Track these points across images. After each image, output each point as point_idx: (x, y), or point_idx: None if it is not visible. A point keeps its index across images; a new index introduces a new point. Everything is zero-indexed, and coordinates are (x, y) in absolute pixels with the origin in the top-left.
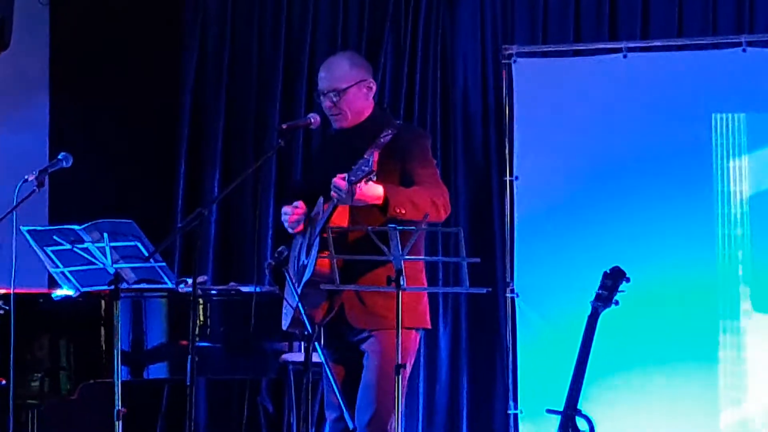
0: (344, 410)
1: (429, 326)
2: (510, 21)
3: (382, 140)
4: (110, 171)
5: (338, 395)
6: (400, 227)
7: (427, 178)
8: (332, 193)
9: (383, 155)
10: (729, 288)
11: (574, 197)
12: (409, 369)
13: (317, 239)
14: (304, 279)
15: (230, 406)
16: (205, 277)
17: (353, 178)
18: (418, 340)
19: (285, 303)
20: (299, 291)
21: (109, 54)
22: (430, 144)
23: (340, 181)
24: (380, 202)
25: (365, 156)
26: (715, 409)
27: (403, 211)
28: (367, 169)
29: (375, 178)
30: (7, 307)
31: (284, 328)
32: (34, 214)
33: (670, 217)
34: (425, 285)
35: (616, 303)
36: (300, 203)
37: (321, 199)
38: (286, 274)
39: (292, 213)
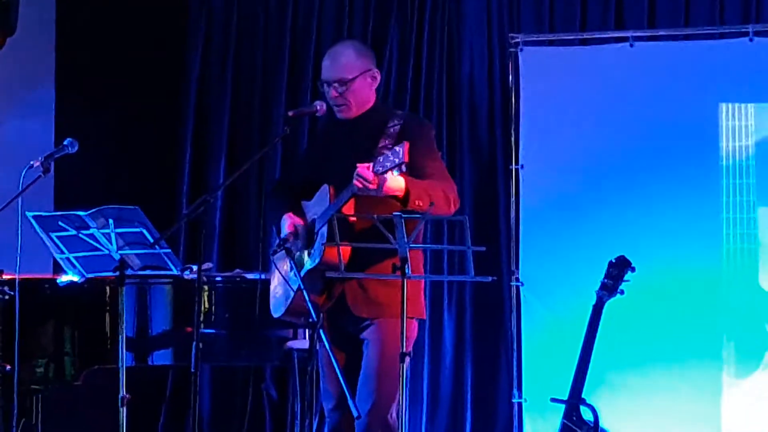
0: (348, 397)
1: (425, 317)
2: (516, 10)
3: (391, 130)
4: (116, 157)
5: (342, 380)
6: (406, 215)
7: (436, 172)
8: (356, 182)
9: (391, 146)
10: (734, 279)
11: (579, 186)
12: (409, 358)
13: (324, 227)
14: (309, 266)
15: (234, 393)
16: (210, 264)
17: (380, 168)
18: (416, 329)
19: (272, 289)
20: (302, 277)
21: (115, 40)
22: (435, 134)
23: (365, 171)
24: (402, 194)
25: (389, 147)
26: (718, 398)
27: (421, 204)
28: (398, 160)
29: (405, 169)
30: (12, 293)
31: (276, 316)
32: (40, 199)
33: (676, 207)
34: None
35: (621, 292)
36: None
37: (325, 187)
38: (289, 261)
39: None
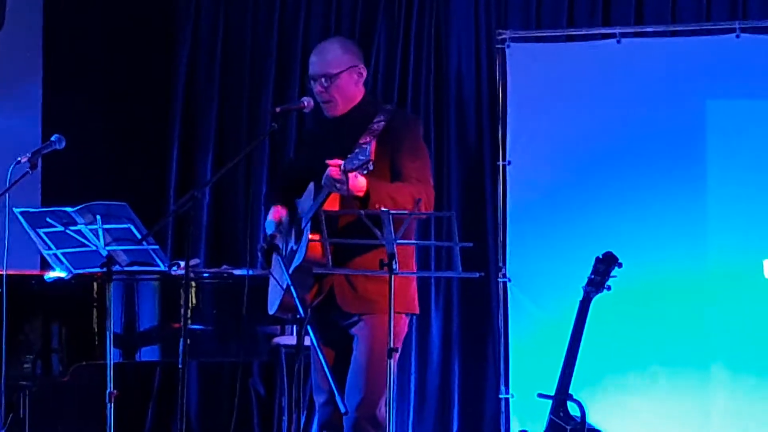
0: (335, 393)
1: (417, 311)
2: (504, 5)
3: (375, 127)
4: (103, 153)
5: (329, 377)
6: (393, 211)
7: (414, 173)
8: (324, 180)
9: (376, 143)
10: (719, 275)
11: (566, 182)
12: (397, 354)
13: (309, 224)
14: (295, 263)
15: (222, 389)
16: (198, 260)
17: (349, 167)
18: (406, 325)
19: (271, 287)
20: (289, 274)
21: (102, 36)
22: (422, 130)
23: (334, 171)
24: (362, 194)
25: (361, 144)
26: (706, 392)
27: (383, 208)
28: (364, 158)
29: (372, 167)
30: None
31: (271, 312)
32: (27, 196)
33: (663, 203)
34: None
35: (608, 288)
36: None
37: (311, 185)
38: (278, 258)
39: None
